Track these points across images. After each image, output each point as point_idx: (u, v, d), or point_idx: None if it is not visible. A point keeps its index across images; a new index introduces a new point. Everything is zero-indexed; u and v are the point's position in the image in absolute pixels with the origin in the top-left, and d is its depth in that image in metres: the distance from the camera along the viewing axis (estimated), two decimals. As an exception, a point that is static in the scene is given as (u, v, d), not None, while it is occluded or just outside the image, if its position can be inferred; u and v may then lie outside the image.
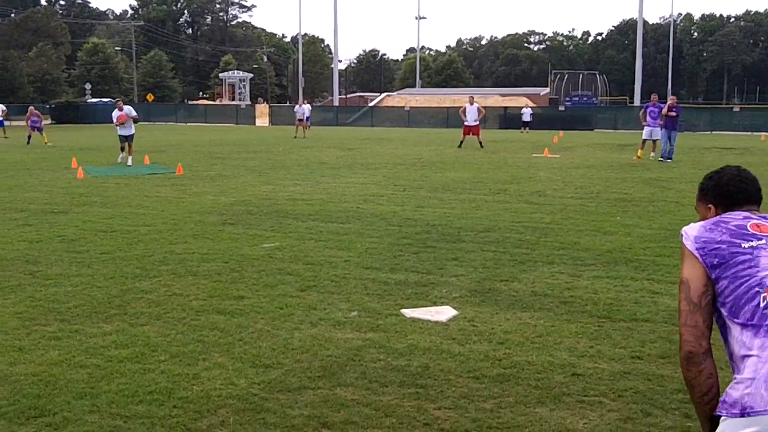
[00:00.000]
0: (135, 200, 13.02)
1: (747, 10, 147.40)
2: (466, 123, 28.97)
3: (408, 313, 6.21)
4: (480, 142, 28.26)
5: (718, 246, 2.55)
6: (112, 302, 6.47)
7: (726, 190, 2.76)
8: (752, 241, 2.55)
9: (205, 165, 20.17)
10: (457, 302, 6.54)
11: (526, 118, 48.69)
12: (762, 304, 2.41)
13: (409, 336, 5.62)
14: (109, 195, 13.77)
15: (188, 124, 62.21)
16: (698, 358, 2.51)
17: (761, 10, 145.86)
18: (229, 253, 8.50)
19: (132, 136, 21.24)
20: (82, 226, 10.35)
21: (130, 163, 20.29)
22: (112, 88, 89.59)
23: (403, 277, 7.41)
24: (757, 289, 2.44)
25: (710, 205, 2.79)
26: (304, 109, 39.78)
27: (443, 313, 6.24)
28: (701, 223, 2.68)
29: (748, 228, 2.59)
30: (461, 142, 28.73)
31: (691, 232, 2.64)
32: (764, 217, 2.67)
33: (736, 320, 2.48)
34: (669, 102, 22.80)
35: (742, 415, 2.28)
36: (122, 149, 21.07)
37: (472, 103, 29.47)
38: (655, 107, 23.32)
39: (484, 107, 36.52)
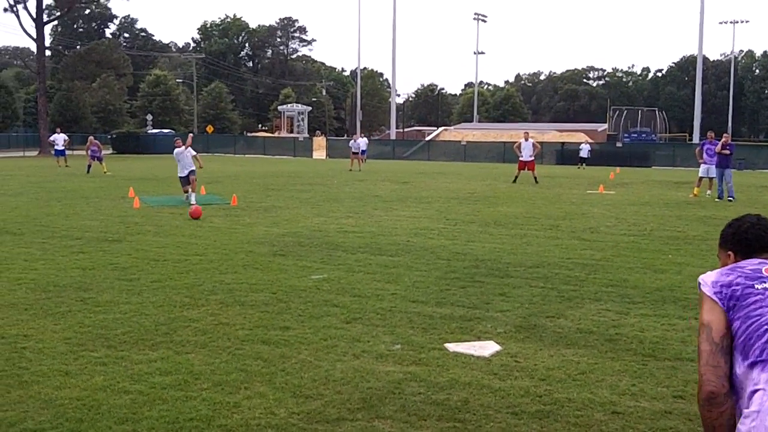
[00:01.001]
0: (188, 230, 13.29)
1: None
2: (521, 158, 28.90)
3: (451, 347, 6.20)
4: (535, 178, 28.11)
5: (734, 288, 2.61)
6: (159, 330, 6.61)
7: (744, 237, 2.84)
8: (766, 282, 2.60)
9: (259, 196, 20.49)
10: (501, 338, 6.50)
11: (584, 154, 48.22)
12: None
13: (450, 370, 5.61)
14: (163, 224, 14.08)
15: (246, 155, 63.29)
16: (721, 398, 2.47)
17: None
18: (278, 283, 8.61)
19: (194, 171, 18.96)
20: (134, 254, 10.61)
21: (193, 200, 18.04)
22: (173, 119, 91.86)
23: (448, 311, 7.41)
24: (766, 327, 2.48)
25: (730, 252, 2.86)
26: (359, 143, 40.29)
27: (487, 348, 6.21)
28: (718, 270, 2.74)
29: (763, 271, 2.66)
30: (516, 177, 28.64)
31: (708, 278, 2.70)
32: None
33: (746, 360, 2.49)
34: (722, 140, 22.40)
35: None
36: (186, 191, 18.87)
37: (527, 139, 29.37)
38: (712, 144, 22.94)
39: (541, 143, 36.44)
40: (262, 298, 7.86)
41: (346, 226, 14.11)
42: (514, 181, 28.22)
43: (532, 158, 28.76)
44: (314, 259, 10.29)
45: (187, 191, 18.81)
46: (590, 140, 65.39)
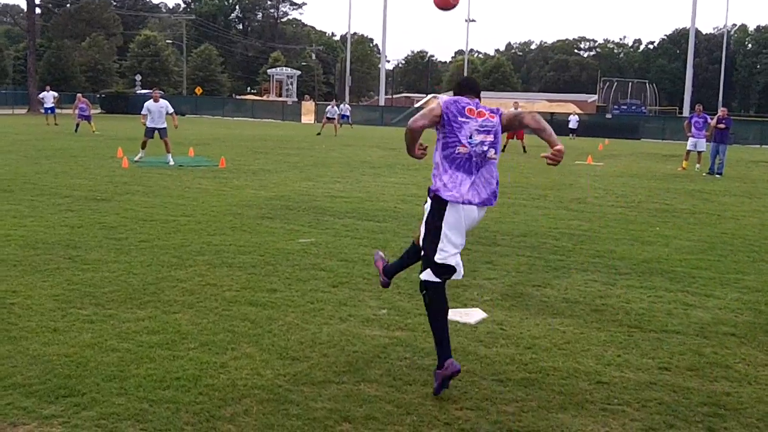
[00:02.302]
0: (177, 191, 13.24)
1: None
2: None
3: (437, 313, 6.21)
4: (524, 147, 28.13)
5: (450, 110, 4.71)
6: (147, 289, 6.60)
7: (463, 84, 5.09)
8: (467, 118, 4.71)
9: (248, 159, 20.40)
10: (487, 305, 6.53)
11: (573, 125, 48.42)
12: (455, 153, 4.66)
13: (436, 336, 5.62)
14: (152, 185, 14.02)
15: (235, 118, 62.90)
16: (418, 132, 4.77)
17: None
18: (265, 246, 8.61)
19: (165, 130, 18.78)
20: (123, 214, 10.57)
21: (171, 162, 18.16)
22: (162, 80, 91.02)
23: (435, 278, 7.42)
24: (457, 154, 4.67)
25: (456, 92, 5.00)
26: (335, 109, 40.08)
27: (473, 315, 6.24)
28: (451, 97, 4.85)
29: (465, 111, 4.74)
30: (504, 145, 28.62)
31: (444, 100, 4.81)
32: (477, 105, 4.83)
33: (451, 164, 4.70)
34: (719, 114, 22.33)
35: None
36: (144, 145, 18.87)
37: (516, 108, 29.36)
38: (700, 118, 22.95)
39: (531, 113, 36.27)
40: (249, 260, 7.86)
41: (333, 191, 14.09)
42: (503, 149, 28.19)
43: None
44: (302, 223, 10.29)
45: (145, 144, 18.80)
46: (580, 111, 65.40)
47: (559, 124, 53.17)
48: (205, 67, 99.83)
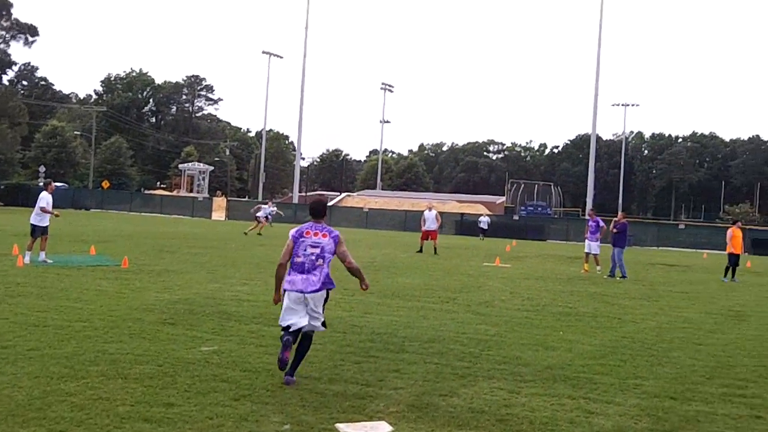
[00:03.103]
0: (74, 293, 12.69)
1: (693, 132, 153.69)
2: (424, 228, 29.22)
3: (342, 428, 6.05)
4: (435, 248, 28.43)
5: (294, 235, 7.64)
6: (33, 404, 6.20)
7: (311, 208, 7.93)
8: (304, 238, 7.61)
9: (153, 258, 19.90)
10: (393, 417, 6.40)
11: (483, 225, 49.50)
12: (295, 260, 7.58)
13: (339, 453, 5.45)
14: (47, 286, 13.40)
15: (143, 213, 61.85)
16: (284, 268, 7.60)
17: (706, 133, 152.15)
18: (165, 355, 8.27)
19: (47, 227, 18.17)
20: (12, 318, 10.01)
21: (50, 260, 17.46)
22: (68, 172, 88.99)
23: (341, 388, 7.26)
24: (296, 258, 7.59)
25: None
26: (271, 209, 40.36)
27: (378, 429, 6.09)
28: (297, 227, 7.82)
29: (304, 233, 7.64)
30: (421, 247, 28.91)
31: (293, 230, 7.78)
32: (314, 227, 7.71)
33: (294, 264, 7.61)
34: (615, 218, 23.35)
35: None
36: (31, 247, 17.75)
37: (430, 209, 29.86)
38: (593, 222, 23.85)
39: (442, 213, 37.05)
40: (147, 371, 7.52)
41: (241, 293, 13.81)
42: (420, 251, 28.46)
43: (435, 229, 29.13)
44: (205, 329, 9.98)
45: (32, 244, 17.69)
46: (489, 212, 67.02)
47: (468, 224, 54.30)
48: (114, 159, 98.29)
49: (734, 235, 23.61)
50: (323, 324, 7.68)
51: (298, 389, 7.11)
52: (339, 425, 6.10)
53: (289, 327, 7.47)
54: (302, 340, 7.60)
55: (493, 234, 50.33)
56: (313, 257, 7.51)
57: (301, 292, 7.45)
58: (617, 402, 7.25)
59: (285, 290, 7.53)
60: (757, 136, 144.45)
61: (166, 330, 9.79)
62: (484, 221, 50.43)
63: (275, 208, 42.89)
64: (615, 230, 22.54)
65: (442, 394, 7.24)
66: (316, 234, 7.60)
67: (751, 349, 10.67)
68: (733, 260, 23.09)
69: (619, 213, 24.45)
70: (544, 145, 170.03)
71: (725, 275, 23.14)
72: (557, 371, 8.47)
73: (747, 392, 7.96)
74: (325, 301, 7.80)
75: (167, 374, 7.44)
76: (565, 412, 6.80)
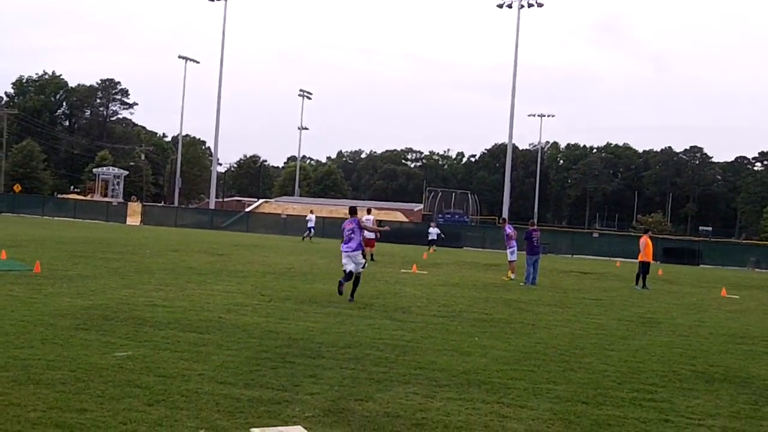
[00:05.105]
0: (-18, 299, 12.29)
1: (607, 143, 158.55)
2: (365, 235, 28.26)
3: (257, 432, 6.07)
4: (372, 255, 27.44)
5: (343, 225, 16.00)
6: (-62, 412, 6.03)
7: (349, 210, 16.96)
8: (345, 226, 15.77)
9: (65, 264, 19.40)
10: (309, 422, 6.44)
11: (433, 236, 45.44)
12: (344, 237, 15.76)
13: (255, 457, 5.48)
14: (-45, 292, 12.95)
15: (56, 218, 59.98)
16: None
17: (620, 144, 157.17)
18: (78, 361, 8.12)
19: None
20: None
21: None
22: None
23: (257, 393, 7.27)
24: (344, 234, 15.75)
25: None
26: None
27: (293, 433, 6.13)
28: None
29: (346, 224, 15.78)
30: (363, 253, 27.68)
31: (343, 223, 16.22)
32: (351, 220, 15.85)
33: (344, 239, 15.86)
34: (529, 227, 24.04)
35: None
36: None
37: (370, 213, 29.86)
38: (509, 228, 24.51)
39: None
40: (59, 377, 7.37)
41: (155, 299, 13.61)
42: (371, 258, 27.38)
43: (373, 236, 28.05)
44: (119, 335, 9.82)
45: None
46: (406, 219, 67.43)
47: (387, 232, 54.47)
48: (26, 163, 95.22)
49: (647, 244, 24.50)
50: (363, 266, 15.82)
51: (213, 395, 7.08)
52: (254, 430, 6.12)
53: (346, 270, 15.26)
54: (355, 277, 15.27)
55: (410, 241, 50.65)
56: (351, 233, 15.48)
57: (349, 251, 15.35)
58: (530, 406, 7.45)
59: (342, 251, 15.48)
60: (670, 147, 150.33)
61: (79, 335, 9.60)
62: (433, 233, 45.82)
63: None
64: (526, 238, 23.15)
65: (358, 398, 7.33)
66: (350, 224, 15.67)
67: (661, 354, 11.10)
68: (645, 268, 23.95)
69: (530, 221, 25.12)
70: (461, 154, 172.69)
71: (637, 283, 23.97)
72: (472, 376, 8.66)
73: (656, 396, 8.26)
74: (363, 255, 16.17)
75: (80, 380, 7.32)
76: (479, 416, 6.96)
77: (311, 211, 51.96)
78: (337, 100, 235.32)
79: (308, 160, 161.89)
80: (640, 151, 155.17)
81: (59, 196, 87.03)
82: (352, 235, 15.36)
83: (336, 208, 76.35)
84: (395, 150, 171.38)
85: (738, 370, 10.12)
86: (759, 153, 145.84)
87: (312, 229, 46.74)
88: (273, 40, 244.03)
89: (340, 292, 15.02)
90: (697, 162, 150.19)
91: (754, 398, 8.49)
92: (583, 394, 8.16)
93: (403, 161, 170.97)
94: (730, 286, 27.69)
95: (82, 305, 12.25)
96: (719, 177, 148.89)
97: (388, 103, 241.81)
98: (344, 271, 15.29)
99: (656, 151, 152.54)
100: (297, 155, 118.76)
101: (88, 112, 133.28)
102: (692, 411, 7.69)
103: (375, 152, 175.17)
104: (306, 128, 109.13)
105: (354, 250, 15.28)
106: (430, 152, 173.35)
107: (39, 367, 7.71)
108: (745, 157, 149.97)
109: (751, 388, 9.04)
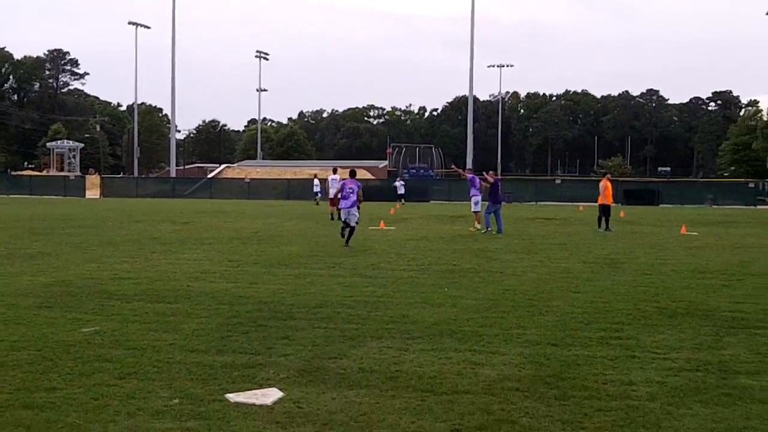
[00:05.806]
0: (-59, 282, 12.02)
1: (566, 90, 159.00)
2: (331, 195, 28.07)
3: (232, 397, 6.02)
4: (331, 215, 27.79)
5: (343, 183, 19.21)
6: None
7: (350, 173, 20.08)
8: (345, 184, 18.97)
9: (24, 242, 19.04)
10: (284, 383, 6.41)
11: (400, 190, 49.17)
12: (343, 194, 18.81)
13: (232, 422, 5.43)
14: None
15: (11, 196, 58.88)
16: (337, 198, 20.75)
17: (579, 90, 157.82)
18: (44, 339, 7.97)
19: None
20: None
21: None
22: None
23: (230, 359, 7.21)
24: (344, 191, 18.86)
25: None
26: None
27: (269, 395, 6.09)
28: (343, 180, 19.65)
29: (347, 183, 18.87)
30: (332, 214, 27.79)
31: (343, 181, 19.68)
32: (351, 181, 18.80)
33: (342, 195, 18.94)
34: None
35: None
36: None
37: (335, 172, 30.06)
38: (473, 178, 24.62)
39: (323, 180, 36.92)
40: (25, 357, 7.23)
41: (121, 272, 13.42)
42: (332, 218, 27.44)
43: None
44: (85, 310, 9.66)
45: None
46: (372, 177, 67.34)
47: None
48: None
49: (606, 187, 24.72)
50: (357, 221, 18.40)
51: (185, 363, 7.00)
52: (229, 395, 6.07)
53: (345, 222, 18.19)
54: (351, 229, 18.09)
55: (378, 198, 50.63)
56: (351, 192, 18.14)
57: (346, 207, 18.10)
58: (501, 352, 7.51)
59: (340, 207, 18.82)
60: (627, 92, 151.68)
61: (43, 314, 9.42)
62: (400, 185, 49.65)
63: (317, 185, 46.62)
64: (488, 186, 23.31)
65: (332, 357, 7.31)
66: (351, 183, 18.38)
67: (626, 293, 11.26)
68: (605, 211, 24.21)
69: (490, 172, 25.19)
70: (423, 109, 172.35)
71: (599, 226, 24.23)
72: (443, 327, 8.69)
73: (623, 334, 8.39)
74: (358, 209, 18.32)
75: (47, 358, 7.18)
76: (452, 365, 6.99)
77: (315, 176, 51.47)
78: (296, 61, 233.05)
79: (269, 122, 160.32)
80: (599, 96, 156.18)
81: (13, 173, 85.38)
82: (351, 195, 18.14)
83: (300, 170, 75.89)
84: (357, 108, 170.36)
85: (699, 304, 10.32)
86: (712, 93, 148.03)
87: (319, 193, 46.16)
88: (228, 1, 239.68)
89: (342, 236, 18.17)
90: (654, 105, 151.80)
91: (716, 330, 8.67)
92: (552, 336, 8.25)
93: (366, 118, 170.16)
94: (689, 223, 28.17)
95: (45, 282, 12.04)
96: (676, 118, 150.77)
97: (348, 61, 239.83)
98: (343, 221, 18.40)
99: (614, 96, 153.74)
100: (258, 118, 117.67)
101: (37, 85, 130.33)
102: (657, 346, 7.84)
103: (337, 111, 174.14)
104: (265, 89, 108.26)
105: (350, 206, 18.09)
106: (392, 108, 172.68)
107: (3, 349, 7.55)
108: (699, 98, 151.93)
109: (713, 320, 9.24)
